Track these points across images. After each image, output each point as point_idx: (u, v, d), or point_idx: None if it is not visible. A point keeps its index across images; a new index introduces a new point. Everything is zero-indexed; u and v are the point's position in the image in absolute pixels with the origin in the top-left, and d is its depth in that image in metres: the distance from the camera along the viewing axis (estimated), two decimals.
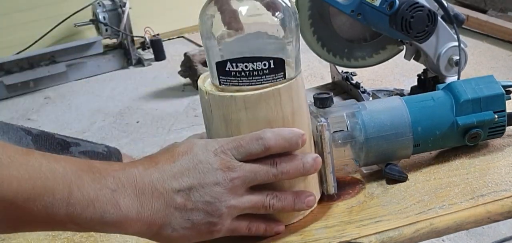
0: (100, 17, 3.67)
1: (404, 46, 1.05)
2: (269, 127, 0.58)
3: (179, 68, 3.21)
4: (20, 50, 3.72)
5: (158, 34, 3.86)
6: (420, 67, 1.05)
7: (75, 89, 3.51)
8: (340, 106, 0.66)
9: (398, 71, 2.75)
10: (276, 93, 0.58)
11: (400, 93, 1.08)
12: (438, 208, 0.62)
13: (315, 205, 0.63)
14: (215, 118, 0.59)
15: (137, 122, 2.89)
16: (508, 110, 0.71)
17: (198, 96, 0.64)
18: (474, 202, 0.62)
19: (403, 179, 0.68)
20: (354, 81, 1.14)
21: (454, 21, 0.98)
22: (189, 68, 3.12)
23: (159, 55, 3.79)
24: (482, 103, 0.69)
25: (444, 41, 0.98)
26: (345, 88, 1.16)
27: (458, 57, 0.98)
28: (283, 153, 0.58)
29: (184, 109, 2.95)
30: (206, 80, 0.62)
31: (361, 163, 0.69)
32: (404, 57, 1.06)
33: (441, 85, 0.73)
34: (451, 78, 1.00)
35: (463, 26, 1.06)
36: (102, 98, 3.30)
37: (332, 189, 0.64)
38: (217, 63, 0.58)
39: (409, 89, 1.08)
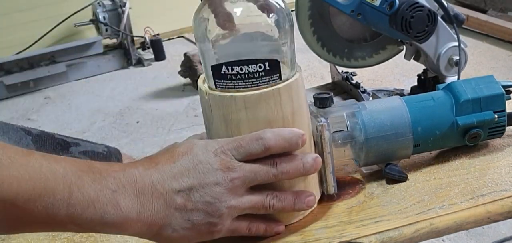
0: (100, 17, 3.67)
1: (404, 46, 1.05)
2: (269, 127, 0.58)
3: (179, 68, 3.21)
4: (20, 50, 3.72)
5: (158, 34, 3.86)
6: (420, 67, 1.05)
7: (75, 89, 3.51)
8: (340, 106, 0.67)
9: (398, 71, 2.75)
10: (276, 93, 0.58)
11: (400, 93, 1.08)
12: (438, 208, 0.62)
13: (315, 205, 0.63)
14: (215, 118, 0.59)
15: (137, 122, 2.89)
16: (508, 110, 0.71)
17: (198, 96, 0.64)
18: (474, 202, 0.62)
19: (403, 179, 0.68)
20: (354, 81, 1.14)
21: (454, 21, 0.98)
22: (189, 68, 3.12)
23: (159, 55, 3.79)
24: (482, 103, 0.69)
25: (444, 41, 0.98)
26: (345, 88, 1.16)
27: (458, 57, 0.98)
28: (283, 153, 0.58)
29: (184, 109, 2.95)
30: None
31: (361, 163, 0.69)
32: (404, 57, 1.06)
33: (441, 85, 0.73)
34: (451, 78, 1.00)
35: (463, 26, 1.06)
36: (102, 98, 3.30)
37: (332, 189, 0.64)
38: (213, 67, 0.58)
39: (409, 89, 1.08)
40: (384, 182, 0.68)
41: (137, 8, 3.82)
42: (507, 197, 0.62)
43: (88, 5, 3.77)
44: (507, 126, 0.72)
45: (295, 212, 0.62)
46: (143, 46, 3.90)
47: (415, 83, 1.07)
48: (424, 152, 0.72)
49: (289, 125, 0.59)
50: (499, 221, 0.63)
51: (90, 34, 3.88)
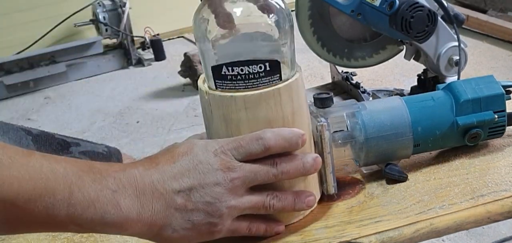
0: (100, 17, 3.67)
1: (404, 46, 1.05)
2: (269, 126, 0.58)
3: (179, 68, 3.21)
4: (20, 50, 3.72)
5: (158, 34, 3.86)
6: (420, 67, 1.05)
7: (75, 89, 3.51)
8: (340, 106, 0.67)
9: (398, 71, 2.75)
10: (276, 93, 0.58)
11: (400, 93, 1.08)
12: (438, 208, 0.62)
13: (315, 205, 0.63)
14: (215, 118, 0.59)
15: (137, 122, 2.89)
16: (508, 110, 0.71)
17: (198, 96, 0.64)
18: (474, 202, 0.62)
19: (403, 179, 0.68)
20: (354, 81, 1.14)
21: (454, 21, 0.98)
22: (189, 68, 3.12)
23: (159, 55, 3.79)
24: (482, 103, 0.69)
25: (444, 41, 0.98)
26: (345, 88, 1.16)
27: (458, 57, 0.98)
28: (283, 153, 0.58)
29: (184, 109, 2.95)
30: None
31: (361, 163, 0.69)
32: (404, 57, 1.06)
33: (441, 85, 0.73)
34: (451, 78, 1.00)
35: (463, 26, 1.06)
36: (102, 98, 3.30)
37: (332, 189, 0.64)
38: (213, 68, 0.58)
39: (409, 89, 1.08)
40: (384, 182, 0.69)
41: (137, 8, 3.82)
42: (507, 197, 0.62)
43: (88, 5, 3.77)
44: (507, 126, 0.72)
45: (295, 212, 0.62)
46: (143, 46, 3.90)
47: (415, 83, 1.07)
48: (424, 152, 0.72)
49: (289, 125, 0.59)
50: (499, 221, 0.63)
51: (90, 34, 3.88)
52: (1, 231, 0.53)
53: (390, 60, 1.10)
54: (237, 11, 0.58)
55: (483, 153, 0.72)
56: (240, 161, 0.56)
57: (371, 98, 1.08)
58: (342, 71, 1.17)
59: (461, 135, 0.70)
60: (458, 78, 0.97)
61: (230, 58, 0.57)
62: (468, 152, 0.72)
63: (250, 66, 0.56)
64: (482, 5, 3.66)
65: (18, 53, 3.69)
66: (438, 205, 0.62)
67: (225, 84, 0.58)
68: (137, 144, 2.64)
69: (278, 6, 0.58)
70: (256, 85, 0.57)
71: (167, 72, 3.53)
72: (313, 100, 0.65)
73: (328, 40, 1.07)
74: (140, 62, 3.76)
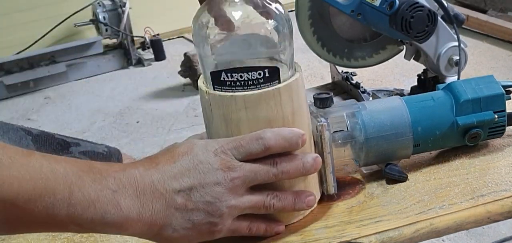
0: (100, 17, 3.67)
1: (404, 46, 1.05)
2: (269, 126, 0.58)
3: (179, 68, 3.21)
4: (20, 50, 3.72)
5: (158, 34, 3.86)
6: (420, 67, 1.05)
7: (75, 89, 3.51)
8: (340, 106, 0.67)
9: (398, 71, 2.75)
10: (276, 93, 0.58)
11: (400, 93, 1.08)
12: (438, 208, 0.62)
13: (315, 205, 0.63)
14: (215, 118, 0.59)
15: (137, 122, 2.89)
16: (508, 110, 0.71)
17: (198, 96, 0.64)
18: (474, 202, 0.62)
19: (403, 179, 0.68)
20: (354, 81, 1.14)
21: (454, 21, 0.98)
22: (189, 68, 3.12)
23: (159, 55, 3.79)
24: (482, 103, 0.69)
25: (444, 41, 0.98)
26: (345, 88, 1.16)
27: (458, 57, 0.98)
28: (283, 153, 0.58)
29: (184, 109, 2.95)
30: None
31: (361, 163, 0.69)
32: (404, 57, 1.06)
33: (441, 85, 0.73)
34: (451, 78, 1.00)
35: (463, 26, 1.05)
36: (102, 98, 3.30)
37: (332, 189, 0.64)
38: (212, 73, 0.58)
39: (409, 89, 1.07)
40: (384, 182, 0.69)
41: (137, 8, 3.82)
42: (507, 197, 0.62)
43: (88, 5, 3.77)
44: (507, 126, 0.72)
45: (295, 212, 0.62)
46: (143, 46, 3.90)
47: (415, 83, 1.07)
48: (424, 152, 0.72)
49: (289, 125, 0.59)
50: (499, 221, 0.63)
51: (90, 34, 3.88)
52: (1, 231, 0.53)
53: (390, 60, 1.10)
54: (236, 15, 0.58)
55: (483, 153, 0.72)
56: (240, 161, 0.56)
57: (371, 98, 1.08)
58: (342, 71, 1.17)
59: (461, 135, 0.70)
60: (458, 78, 0.97)
61: (229, 63, 0.57)
62: (468, 152, 0.72)
63: (249, 73, 0.57)
64: (482, 5, 3.66)
65: (18, 53, 3.69)
66: (438, 205, 0.62)
67: (225, 90, 0.58)
68: (137, 144, 2.64)
69: (277, 11, 0.58)
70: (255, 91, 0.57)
71: (167, 72, 3.53)
72: (313, 100, 0.65)
73: (328, 40, 1.07)
74: (140, 62, 3.76)
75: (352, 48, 1.08)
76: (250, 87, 0.57)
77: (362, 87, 1.12)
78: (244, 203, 0.56)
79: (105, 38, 3.77)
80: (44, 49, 3.67)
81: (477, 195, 0.63)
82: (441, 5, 0.97)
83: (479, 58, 3.06)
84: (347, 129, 0.67)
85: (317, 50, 1.08)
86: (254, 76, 0.57)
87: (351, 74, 1.16)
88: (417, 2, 0.90)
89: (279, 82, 0.58)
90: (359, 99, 1.08)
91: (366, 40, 1.08)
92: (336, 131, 0.67)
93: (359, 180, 0.70)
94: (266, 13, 0.58)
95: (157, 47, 3.79)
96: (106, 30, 3.69)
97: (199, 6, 0.61)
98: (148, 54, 3.86)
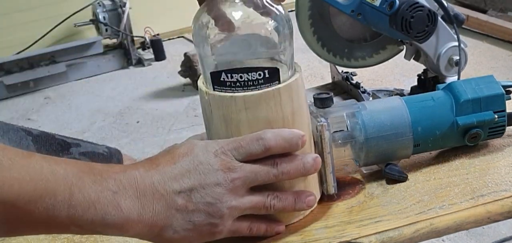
0: (100, 17, 3.67)
1: (404, 46, 1.05)
2: (269, 127, 0.58)
3: (179, 68, 3.21)
4: (20, 50, 3.72)
5: (158, 34, 3.86)
6: (420, 67, 1.05)
7: (75, 89, 3.51)
8: (340, 106, 0.67)
9: (398, 71, 2.75)
10: (276, 94, 0.58)
11: (400, 93, 1.08)
12: (438, 208, 0.62)
13: (315, 205, 0.64)
14: (215, 118, 0.59)
15: (137, 122, 2.89)
16: (508, 110, 0.71)
17: (198, 96, 0.64)
18: (474, 202, 0.62)
19: (403, 179, 0.68)
20: (354, 81, 1.14)
21: (454, 21, 0.98)
22: (189, 68, 3.12)
23: (159, 55, 3.79)
24: (482, 103, 0.69)
25: (444, 41, 0.98)
26: (345, 88, 1.16)
27: (458, 57, 0.98)
28: (283, 153, 0.58)
29: (184, 109, 2.95)
30: None
31: (361, 163, 0.69)
32: (404, 57, 1.06)
33: (441, 85, 0.73)
34: (451, 78, 1.00)
35: (463, 26, 1.05)
36: (102, 98, 3.30)
37: (332, 189, 0.64)
38: (212, 74, 0.58)
39: (409, 89, 1.08)
40: (384, 182, 0.69)
41: (137, 8, 3.82)
42: (507, 197, 0.62)
43: (88, 5, 3.77)
44: (507, 126, 0.72)
45: (295, 212, 0.62)
46: (143, 46, 3.90)
47: (415, 83, 1.07)
48: (424, 152, 0.72)
49: (289, 125, 0.59)
50: (499, 221, 0.63)
51: (90, 34, 3.88)
52: (1, 232, 0.53)
53: (390, 60, 1.10)
54: (236, 16, 0.58)
55: (483, 153, 0.72)
56: (241, 162, 0.56)
57: (371, 98, 1.08)
58: (342, 71, 1.17)
59: (461, 135, 0.70)
60: (458, 78, 0.97)
61: (229, 63, 0.57)
62: (468, 152, 0.72)
63: (249, 74, 0.57)
64: (482, 5, 3.66)
65: (18, 53, 3.69)
66: (438, 205, 0.62)
67: (225, 91, 0.58)
68: (137, 144, 2.64)
69: (277, 12, 0.58)
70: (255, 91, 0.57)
71: (167, 72, 3.53)
72: (313, 100, 0.65)
73: (328, 40, 1.07)
74: (140, 62, 3.77)
75: (352, 48, 1.08)
76: (250, 87, 0.57)
77: (362, 87, 1.12)
78: (244, 204, 0.56)
79: (105, 38, 3.77)
80: (44, 49, 3.67)
81: (477, 195, 0.63)
82: (441, 5, 0.97)
83: (479, 58, 3.06)
84: (347, 129, 0.67)
85: (317, 50, 1.08)
86: (254, 77, 0.57)
87: (351, 74, 1.16)
88: (417, 2, 0.90)
89: (279, 83, 0.58)
90: (359, 99, 1.08)
91: (366, 40, 1.08)
92: (336, 131, 0.67)
93: (359, 180, 0.70)
94: (266, 13, 0.58)
95: (157, 47, 3.79)
96: (106, 30, 3.70)
97: (199, 6, 0.61)
98: (148, 54, 3.86)
